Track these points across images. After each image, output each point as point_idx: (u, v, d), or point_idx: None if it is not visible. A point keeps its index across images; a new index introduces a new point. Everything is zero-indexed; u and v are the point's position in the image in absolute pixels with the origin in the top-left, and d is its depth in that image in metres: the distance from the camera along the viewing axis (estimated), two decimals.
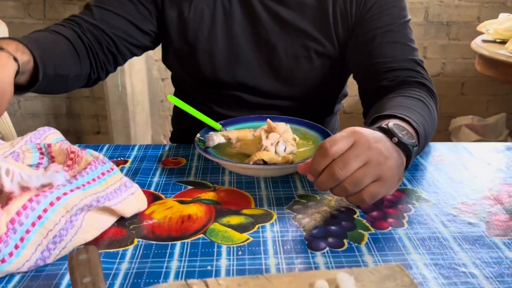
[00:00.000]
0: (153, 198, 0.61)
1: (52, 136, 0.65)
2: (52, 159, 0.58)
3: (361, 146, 0.51)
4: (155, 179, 0.66)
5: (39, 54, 0.65)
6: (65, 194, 0.48)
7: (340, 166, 0.50)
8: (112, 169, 0.55)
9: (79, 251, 0.42)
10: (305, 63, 0.82)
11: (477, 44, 1.78)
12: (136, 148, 0.77)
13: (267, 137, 0.65)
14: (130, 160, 0.73)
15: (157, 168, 0.70)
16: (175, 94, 0.98)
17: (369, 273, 0.42)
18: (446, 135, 2.48)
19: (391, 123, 0.57)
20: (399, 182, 0.55)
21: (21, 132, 2.66)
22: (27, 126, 2.55)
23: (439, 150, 0.77)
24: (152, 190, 0.63)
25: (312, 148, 0.71)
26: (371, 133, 0.53)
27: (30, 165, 0.56)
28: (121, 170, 0.69)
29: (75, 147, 0.58)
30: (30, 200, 0.47)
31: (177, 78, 0.94)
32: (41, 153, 0.58)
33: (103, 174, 0.54)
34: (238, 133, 0.71)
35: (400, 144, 0.56)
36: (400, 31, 0.79)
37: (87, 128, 2.54)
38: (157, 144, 0.79)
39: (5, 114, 2.00)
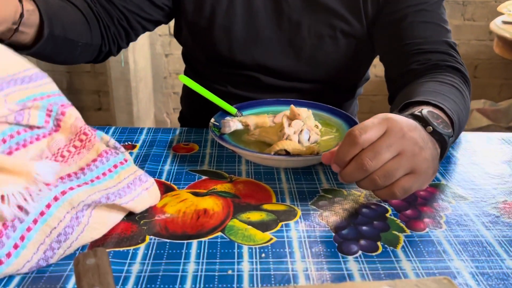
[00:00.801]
0: (165, 189, 0.56)
1: (46, 87, 0.54)
2: (57, 128, 0.49)
3: (394, 134, 0.46)
4: (166, 167, 0.61)
5: (45, 9, 0.60)
6: (71, 188, 0.43)
7: (370, 157, 0.45)
8: (126, 161, 0.50)
9: (86, 254, 0.37)
10: (330, 43, 0.76)
11: (497, 25, 1.70)
12: (144, 132, 0.72)
13: (289, 125, 0.59)
14: (138, 145, 0.68)
15: (167, 154, 0.65)
16: (186, 72, 0.92)
17: (415, 286, 0.37)
18: None
19: (425, 111, 0.51)
20: (433, 175, 0.50)
21: None
22: None
23: (471, 142, 0.72)
24: (163, 179, 0.58)
25: (337, 136, 0.66)
26: (405, 121, 0.48)
27: (31, 126, 0.48)
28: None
29: (89, 129, 0.51)
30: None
31: (190, 55, 0.87)
32: (48, 115, 0.48)
33: (115, 166, 0.48)
34: (257, 118, 0.65)
35: (435, 134, 0.50)
36: (433, 10, 0.73)
37: (88, 104, 2.48)
38: (167, 128, 0.73)
39: None
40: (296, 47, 0.77)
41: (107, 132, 0.72)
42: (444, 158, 0.65)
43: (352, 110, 0.91)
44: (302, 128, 0.59)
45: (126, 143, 0.68)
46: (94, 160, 0.48)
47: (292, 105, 0.61)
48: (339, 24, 0.75)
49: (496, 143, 0.71)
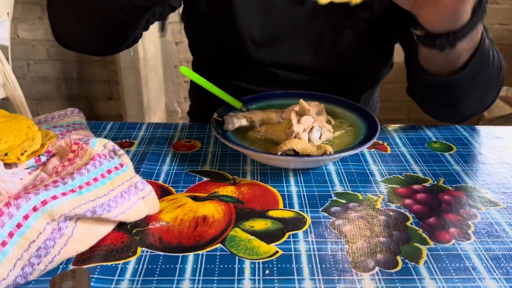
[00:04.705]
0: (161, 193, 0.51)
1: (67, 119, 0.55)
2: (51, 156, 0.47)
3: None
4: (165, 168, 0.56)
5: None
6: (54, 198, 0.39)
7: None
8: (122, 166, 0.45)
9: (64, 275, 0.33)
10: (351, 34, 0.69)
11: None
12: (144, 128, 0.67)
13: (299, 121, 0.53)
14: (136, 142, 0.63)
15: (167, 153, 0.60)
16: (193, 65, 0.86)
17: None
18: None
19: None
20: None
21: (30, 97, 2.60)
22: (37, 90, 2.47)
23: (502, 138, 0.65)
24: (160, 182, 0.53)
25: (349, 131, 0.60)
26: None
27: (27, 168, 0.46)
28: (126, 153, 0.59)
29: (82, 138, 0.48)
30: (7, 205, 0.37)
31: (198, 48, 0.81)
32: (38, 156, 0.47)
33: (109, 171, 0.43)
34: (263, 114, 0.59)
35: None
36: None
37: (99, 94, 2.45)
38: (168, 123, 0.68)
39: (13, 77, 1.91)
40: (315, 40, 0.70)
41: (104, 128, 0.67)
42: (470, 157, 0.59)
43: (372, 100, 0.85)
44: (313, 125, 0.53)
45: (124, 140, 0.63)
46: (86, 164, 0.43)
47: (301, 100, 0.56)
48: (361, 13, 0.68)
49: None
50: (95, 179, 0.43)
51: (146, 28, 0.70)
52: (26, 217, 0.38)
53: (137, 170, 0.55)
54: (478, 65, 0.58)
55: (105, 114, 2.48)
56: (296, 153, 0.52)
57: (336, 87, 0.72)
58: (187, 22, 0.78)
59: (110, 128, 0.67)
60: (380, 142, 0.64)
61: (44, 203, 0.38)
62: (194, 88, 0.88)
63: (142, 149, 0.61)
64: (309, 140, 0.53)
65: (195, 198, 0.50)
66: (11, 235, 0.37)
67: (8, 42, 1.88)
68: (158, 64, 2.29)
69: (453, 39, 0.54)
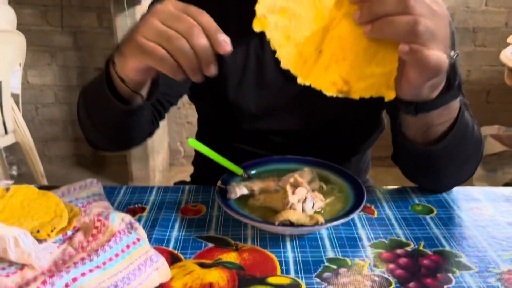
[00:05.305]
0: (172, 260, 0.58)
1: (87, 190, 0.63)
2: (76, 230, 0.55)
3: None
4: (174, 234, 0.63)
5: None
6: (83, 274, 0.45)
7: None
8: (139, 240, 0.52)
9: None
10: (341, 101, 0.77)
11: (507, 56, 1.70)
12: (154, 192, 0.74)
13: (293, 192, 0.61)
14: (147, 207, 0.70)
15: (176, 218, 0.67)
16: (198, 121, 0.94)
17: None
18: None
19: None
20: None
21: (38, 138, 2.66)
22: (45, 132, 2.56)
23: (478, 200, 0.72)
24: (171, 248, 0.60)
25: (340, 197, 0.67)
26: None
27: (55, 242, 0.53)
28: (139, 220, 0.66)
29: (102, 211, 0.55)
30: (44, 283, 0.44)
31: (199, 110, 0.91)
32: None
33: (127, 247, 0.50)
34: (262, 183, 0.67)
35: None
36: None
37: None
38: (177, 186, 0.75)
39: (23, 123, 2.00)
40: (307, 109, 0.78)
41: (118, 193, 0.74)
42: (450, 220, 0.66)
43: (364, 159, 0.92)
44: (306, 196, 0.60)
45: (137, 206, 0.70)
46: (108, 241, 0.50)
47: (296, 175, 0.63)
48: None
49: (501, 200, 0.71)
50: (116, 255, 0.49)
51: (157, 124, 0.81)
52: None
53: (149, 236, 0.62)
54: (454, 139, 0.63)
55: (110, 155, 2.55)
56: (291, 223, 0.58)
57: (329, 151, 0.79)
58: (191, 96, 0.87)
59: (124, 193, 0.74)
60: (368, 205, 0.70)
61: (74, 280, 0.45)
62: (199, 155, 0.96)
63: (153, 215, 0.68)
64: (303, 210, 0.60)
65: (202, 265, 0.57)
66: None
67: (20, 90, 1.98)
68: None
69: (415, 110, 0.58)
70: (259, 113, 0.79)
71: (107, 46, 2.33)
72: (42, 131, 2.55)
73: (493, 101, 2.45)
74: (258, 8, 0.51)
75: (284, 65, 0.54)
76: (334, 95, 0.54)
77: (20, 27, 1.98)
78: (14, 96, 1.92)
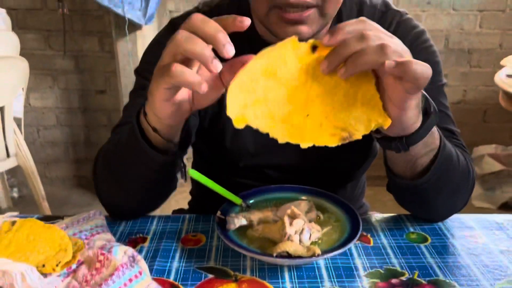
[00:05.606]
0: None
1: (91, 222, 0.65)
2: (80, 264, 0.56)
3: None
4: (175, 265, 0.64)
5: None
6: None
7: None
8: (141, 273, 0.54)
9: None
10: None
11: (501, 79, 1.73)
12: (155, 221, 0.76)
13: (291, 224, 0.62)
14: (149, 237, 0.71)
15: (176, 249, 0.68)
16: (194, 156, 0.96)
17: None
18: None
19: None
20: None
21: (39, 160, 2.68)
22: (46, 154, 2.58)
23: (471, 228, 0.73)
24: (171, 279, 0.61)
25: (336, 226, 0.69)
26: None
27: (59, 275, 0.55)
28: (140, 251, 0.68)
29: (105, 244, 0.57)
30: None
31: (196, 148, 0.92)
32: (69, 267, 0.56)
33: (130, 280, 0.52)
34: (260, 214, 0.68)
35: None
36: (433, 97, 0.76)
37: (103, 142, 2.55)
38: (177, 216, 0.77)
39: (25, 147, 2.03)
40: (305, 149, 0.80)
41: (119, 225, 0.76)
42: (444, 249, 0.67)
43: (359, 184, 0.94)
44: (303, 227, 0.62)
45: (138, 236, 0.72)
46: (112, 275, 0.52)
47: (292, 207, 0.65)
48: None
49: (494, 227, 0.73)
50: None
51: (174, 185, 0.78)
52: None
53: (151, 267, 0.63)
54: (440, 170, 0.64)
55: None
56: (289, 254, 0.60)
57: (324, 180, 0.82)
58: None
59: (125, 223, 0.76)
60: (364, 233, 0.72)
61: None
62: (197, 186, 0.98)
63: (154, 245, 0.69)
64: (300, 241, 0.62)
65: None
66: None
67: (22, 114, 2.01)
68: None
69: (406, 143, 0.59)
70: (256, 152, 0.81)
71: (108, 69, 2.37)
72: (43, 153, 2.57)
73: (490, 120, 2.48)
74: (231, 111, 0.51)
75: (282, 140, 0.55)
76: (340, 144, 0.55)
77: (23, 51, 2.02)
78: (17, 120, 1.95)
